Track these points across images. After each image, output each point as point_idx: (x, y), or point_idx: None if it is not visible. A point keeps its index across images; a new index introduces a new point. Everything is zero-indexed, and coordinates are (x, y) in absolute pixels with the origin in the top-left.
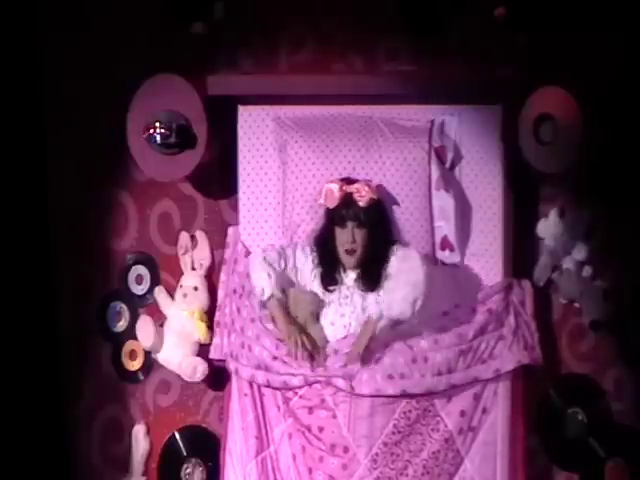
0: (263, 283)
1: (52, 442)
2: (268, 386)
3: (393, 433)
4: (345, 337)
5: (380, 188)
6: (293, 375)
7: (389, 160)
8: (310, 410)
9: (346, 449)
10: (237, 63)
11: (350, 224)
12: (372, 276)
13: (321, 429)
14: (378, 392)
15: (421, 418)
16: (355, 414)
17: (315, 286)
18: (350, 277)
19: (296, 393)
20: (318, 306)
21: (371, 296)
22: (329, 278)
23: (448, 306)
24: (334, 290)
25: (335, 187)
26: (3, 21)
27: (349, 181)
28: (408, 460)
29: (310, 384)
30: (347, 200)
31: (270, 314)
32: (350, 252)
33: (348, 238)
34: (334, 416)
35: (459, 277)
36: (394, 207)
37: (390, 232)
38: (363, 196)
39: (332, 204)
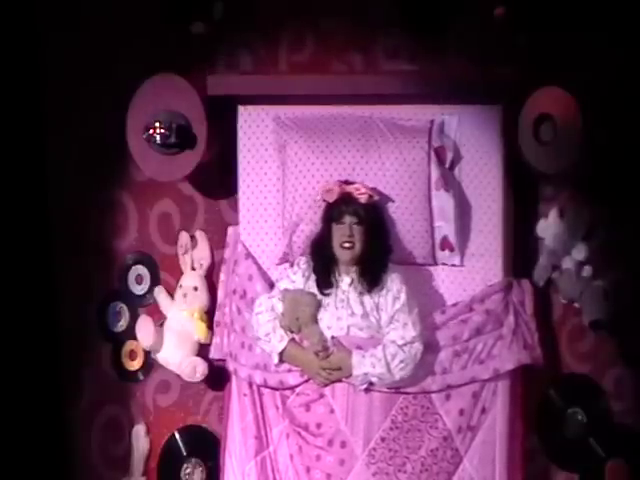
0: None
1: (52, 442)
2: (265, 386)
3: (391, 429)
4: (346, 334)
5: (377, 191)
6: (289, 372)
7: (389, 160)
8: (307, 407)
9: (343, 444)
10: (237, 63)
11: (349, 219)
12: (369, 276)
13: (319, 425)
14: (372, 387)
15: (419, 415)
16: (353, 408)
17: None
18: (345, 281)
19: (293, 391)
20: (317, 308)
21: (367, 301)
22: (324, 280)
23: (445, 305)
24: (330, 294)
25: (334, 186)
26: (3, 21)
27: (348, 183)
28: (406, 457)
29: (307, 380)
30: (346, 197)
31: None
32: (347, 247)
33: (345, 232)
34: (332, 411)
35: (458, 277)
36: (394, 207)
37: (387, 236)
38: (363, 193)
39: (331, 198)
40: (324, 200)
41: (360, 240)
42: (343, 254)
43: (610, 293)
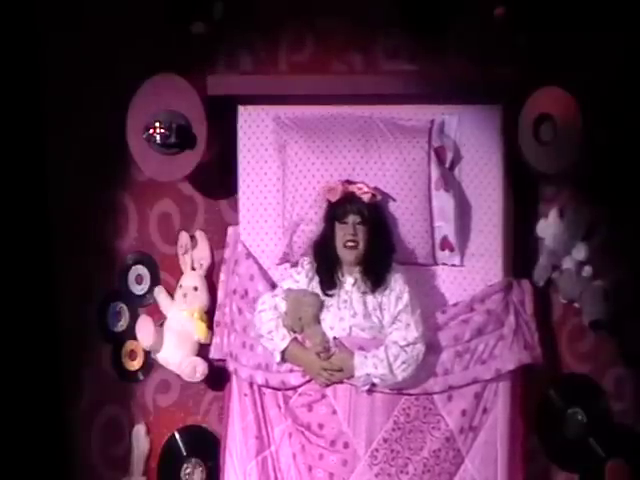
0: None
1: (52, 442)
2: (267, 386)
3: (393, 429)
4: (348, 335)
5: (379, 190)
6: (291, 372)
7: (389, 160)
8: (310, 407)
9: (346, 444)
10: (237, 63)
11: (352, 219)
12: (373, 276)
13: (321, 426)
14: (374, 388)
15: (421, 416)
16: (355, 409)
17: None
18: (349, 282)
19: (296, 391)
20: (320, 308)
21: (370, 301)
22: (328, 281)
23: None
24: (333, 294)
25: (337, 185)
26: (3, 21)
27: (350, 182)
28: (408, 457)
29: (309, 380)
30: (349, 196)
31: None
32: (350, 247)
33: (349, 231)
34: (334, 412)
35: (458, 277)
36: (394, 207)
37: (390, 235)
38: (366, 192)
39: (334, 197)
40: (327, 199)
41: (363, 239)
42: (347, 254)
43: (610, 293)
